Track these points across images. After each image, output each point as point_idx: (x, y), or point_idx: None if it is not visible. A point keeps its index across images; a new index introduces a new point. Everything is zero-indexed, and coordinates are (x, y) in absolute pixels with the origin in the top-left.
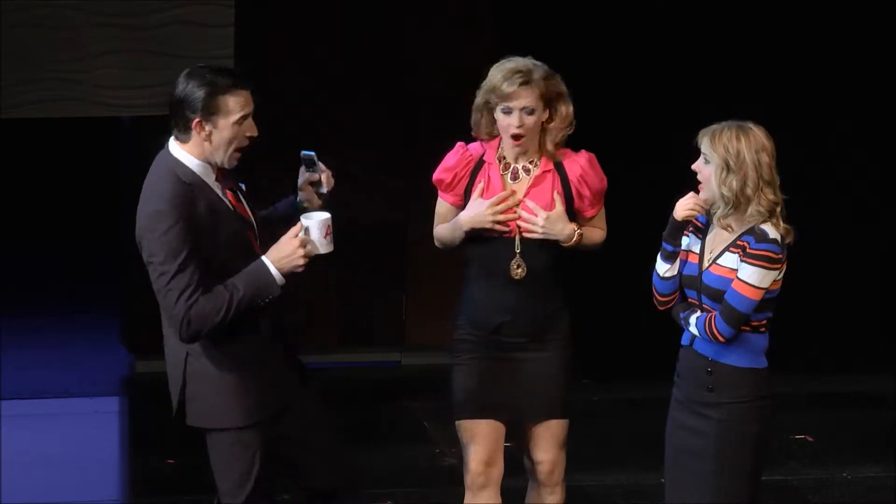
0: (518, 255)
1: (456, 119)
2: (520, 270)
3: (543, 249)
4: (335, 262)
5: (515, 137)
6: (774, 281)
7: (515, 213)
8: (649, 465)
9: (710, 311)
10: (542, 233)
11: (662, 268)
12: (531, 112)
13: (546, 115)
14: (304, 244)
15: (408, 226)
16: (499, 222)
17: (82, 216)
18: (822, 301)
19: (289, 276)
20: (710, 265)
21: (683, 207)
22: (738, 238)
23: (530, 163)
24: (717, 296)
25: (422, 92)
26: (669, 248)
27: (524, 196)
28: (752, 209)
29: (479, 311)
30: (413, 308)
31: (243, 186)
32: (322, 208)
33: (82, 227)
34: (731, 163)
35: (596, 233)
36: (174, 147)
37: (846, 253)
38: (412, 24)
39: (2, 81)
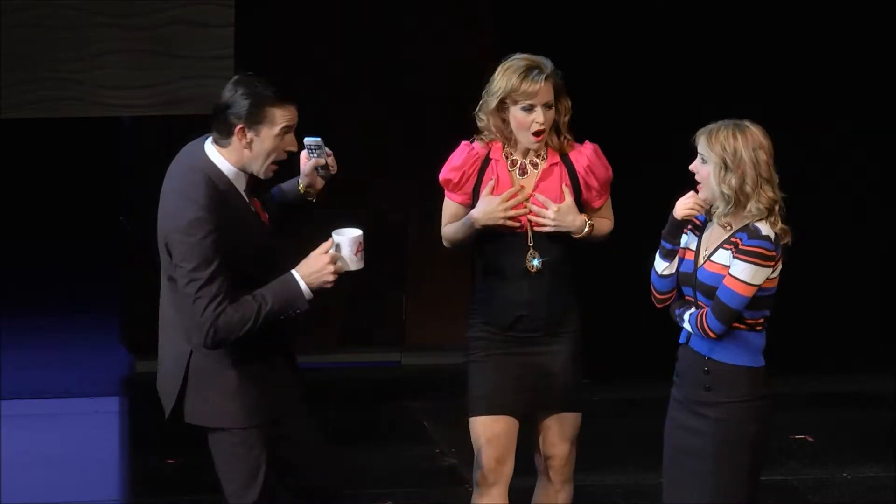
0: (531, 249)
1: (456, 119)
2: (534, 263)
3: (555, 242)
4: None
5: (537, 134)
6: (769, 279)
7: (526, 207)
8: (649, 465)
9: (704, 308)
10: (554, 225)
11: (661, 266)
12: (550, 107)
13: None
14: (334, 260)
15: (408, 226)
16: (510, 218)
17: (82, 216)
18: (821, 301)
19: (317, 291)
20: (704, 262)
21: (683, 206)
22: (733, 235)
23: (537, 157)
24: (711, 292)
25: (422, 92)
26: (668, 246)
27: (533, 190)
28: (751, 206)
29: (496, 308)
30: (413, 308)
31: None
32: (351, 226)
33: (82, 227)
34: (729, 161)
35: (604, 223)
36: (210, 149)
37: (846, 253)
38: (412, 24)
39: (2, 81)
